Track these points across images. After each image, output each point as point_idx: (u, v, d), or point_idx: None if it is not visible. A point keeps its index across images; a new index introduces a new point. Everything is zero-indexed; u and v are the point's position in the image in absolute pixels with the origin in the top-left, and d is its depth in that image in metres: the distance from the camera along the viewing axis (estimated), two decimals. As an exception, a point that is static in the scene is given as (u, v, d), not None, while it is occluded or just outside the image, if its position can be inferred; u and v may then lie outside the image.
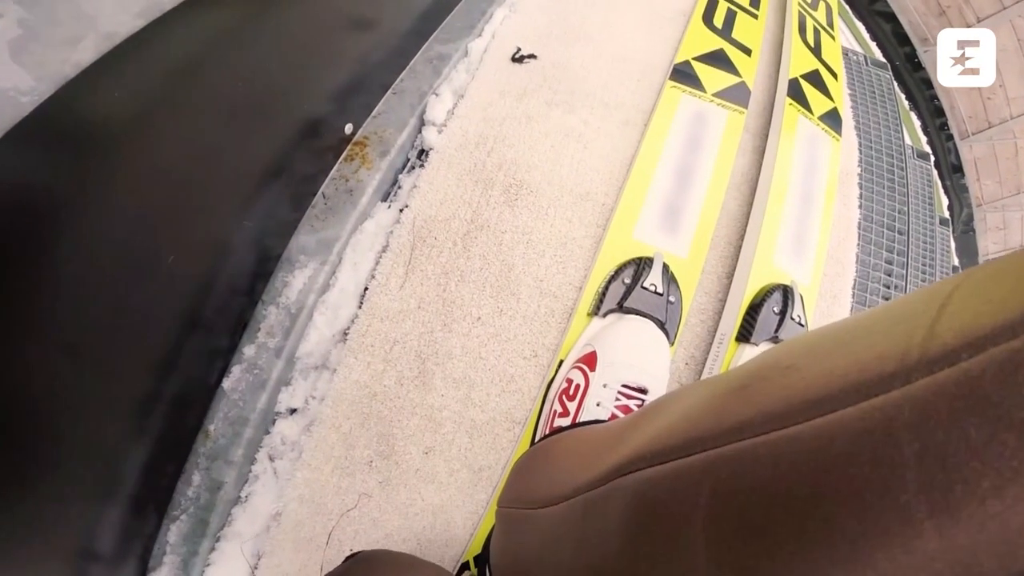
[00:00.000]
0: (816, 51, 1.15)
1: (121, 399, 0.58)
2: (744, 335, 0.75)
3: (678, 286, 0.78)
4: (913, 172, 1.69)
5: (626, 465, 0.29)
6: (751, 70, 1.06)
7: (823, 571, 0.17)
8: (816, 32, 1.21)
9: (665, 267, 0.77)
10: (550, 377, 0.77)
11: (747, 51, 1.10)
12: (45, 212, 0.40)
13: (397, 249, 0.85)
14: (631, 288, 0.75)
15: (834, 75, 1.12)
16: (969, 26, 1.84)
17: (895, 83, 2.13)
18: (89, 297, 0.49)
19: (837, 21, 1.31)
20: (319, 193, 0.88)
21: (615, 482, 0.30)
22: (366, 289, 0.84)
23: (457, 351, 0.80)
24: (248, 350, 0.80)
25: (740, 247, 0.84)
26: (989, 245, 2.23)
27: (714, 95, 1.00)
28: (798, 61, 1.09)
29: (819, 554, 0.17)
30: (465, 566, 0.70)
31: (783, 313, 0.75)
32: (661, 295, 0.75)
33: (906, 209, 1.37)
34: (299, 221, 0.87)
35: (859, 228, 1.03)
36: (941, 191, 2.12)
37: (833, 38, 1.25)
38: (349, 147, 0.90)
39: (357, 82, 0.90)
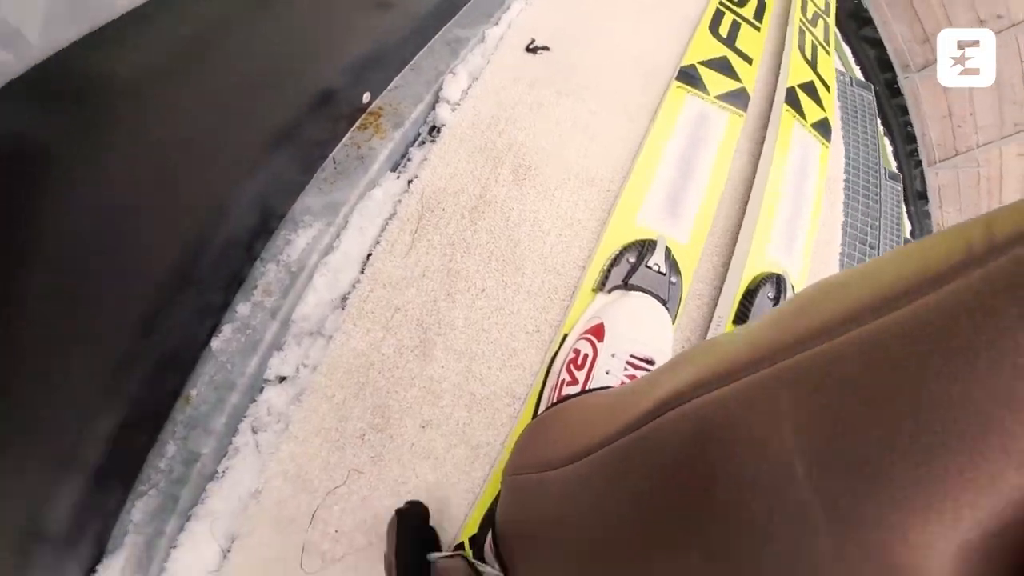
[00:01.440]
0: (812, 64, 1.21)
1: (96, 353, 0.52)
2: (740, 318, 0.79)
3: (679, 270, 0.81)
4: (886, 191, 1.79)
5: (677, 397, 0.28)
6: (751, 77, 1.11)
7: (957, 442, 0.17)
8: (814, 47, 1.27)
9: (667, 250, 0.80)
10: (553, 352, 0.77)
11: (749, 60, 1.15)
12: (53, 153, 0.39)
13: (405, 217, 0.85)
14: (636, 266, 0.78)
15: (827, 87, 1.19)
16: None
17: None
18: (79, 240, 0.45)
19: (834, 39, 1.38)
20: (330, 158, 0.88)
21: (666, 416, 0.29)
22: (369, 255, 0.84)
23: (460, 322, 0.80)
24: (242, 308, 0.76)
25: (736, 238, 0.88)
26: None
27: (716, 98, 1.04)
28: (796, 72, 1.14)
29: (942, 426, 0.17)
30: (460, 547, 0.67)
31: (776, 300, 0.79)
32: (664, 275, 0.78)
33: (878, 224, 1.45)
34: (307, 183, 0.86)
35: (843, 231, 1.08)
36: (905, 216, 2.24)
37: (828, 54, 1.31)
38: (364, 116, 0.91)
39: (377, 55, 0.91)
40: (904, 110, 2.04)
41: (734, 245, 0.87)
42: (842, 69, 1.78)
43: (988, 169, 1.94)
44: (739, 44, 1.18)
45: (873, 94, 1.62)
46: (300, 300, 0.81)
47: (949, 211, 2.15)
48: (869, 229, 1.47)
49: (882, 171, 1.73)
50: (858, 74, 2.09)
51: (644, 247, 0.80)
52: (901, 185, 1.85)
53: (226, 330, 0.76)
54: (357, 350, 0.77)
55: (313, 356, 0.78)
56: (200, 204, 0.64)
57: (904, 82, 2.01)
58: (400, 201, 0.87)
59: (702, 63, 1.10)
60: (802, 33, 1.26)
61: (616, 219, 0.86)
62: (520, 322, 0.82)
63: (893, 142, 2.13)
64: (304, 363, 0.78)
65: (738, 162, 1.02)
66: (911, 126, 2.06)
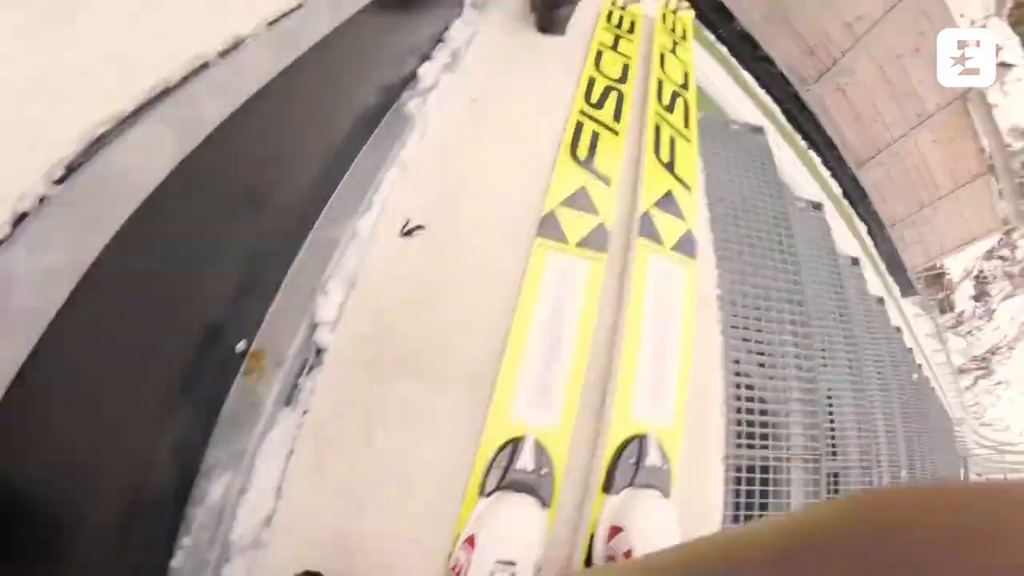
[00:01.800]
0: (670, 166, 1.26)
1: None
2: (607, 486, 0.85)
3: (550, 457, 0.87)
4: (809, 225, 1.80)
5: None
6: (610, 205, 1.17)
7: None
8: (671, 141, 1.32)
9: (536, 443, 0.87)
10: (449, 551, 0.85)
11: (607, 181, 1.21)
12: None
13: (304, 452, 0.94)
14: (508, 468, 0.85)
15: (687, 188, 1.23)
16: (835, 62, 1.98)
17: (791, 125, 2.26)
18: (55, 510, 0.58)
19: (694, 119, 1.43)
20: (225, 408, 0.97)
21: None
22: (280, 487, 0.93)
23: (370, 531, 0.89)
24: (186, 540, 0.89)
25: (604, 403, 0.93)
26: (914, 259, 2.35)
27: (576, 244, 1.10)
28: (651, 187, 1.19)
29: None
30: None
31: (638, 463, 0.85)
32: (534, 471, 0.84)
33: (800, 278, 1.46)
34: (210, 437, 0.96)
35: (723, 357, 1.10)
36: (856, 220, 2.25)
37: (689, 140, 1.36)
38: (247, 360, 1.00)
39: (246, 287, 0.97)
40: (816, 121, 2.06)
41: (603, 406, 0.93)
42: (740, 112, 1.82)
43: (912, 160, 1.94)
44: (598, 163, 1.23)
45: (766, 136, 1.65)
46: (231, 529, 0.91)
47: (895, 204, 2.15)
48: (792, 286, 1.47)
49: (795, 207, 1.75)
50: (765, 98, 2.11)
51: (516, 445, 0.87)
52: (825, 213, 1.87)
53: (179, 555, 0.89)
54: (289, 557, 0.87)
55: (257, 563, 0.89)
56: (130, 470, 0.78)
57: (807, 95, 2.04)
58: (297, 437, 0.95)
59: (562, 203, 1.16)
60: (658, 131, 1.31)
61: (491, 420, 0.92)
62: (425, 526, 0.89)
63: (819, 152, 2.15)
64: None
65: (604, 308, 1.06)
66: (827, 133, 2.08)
